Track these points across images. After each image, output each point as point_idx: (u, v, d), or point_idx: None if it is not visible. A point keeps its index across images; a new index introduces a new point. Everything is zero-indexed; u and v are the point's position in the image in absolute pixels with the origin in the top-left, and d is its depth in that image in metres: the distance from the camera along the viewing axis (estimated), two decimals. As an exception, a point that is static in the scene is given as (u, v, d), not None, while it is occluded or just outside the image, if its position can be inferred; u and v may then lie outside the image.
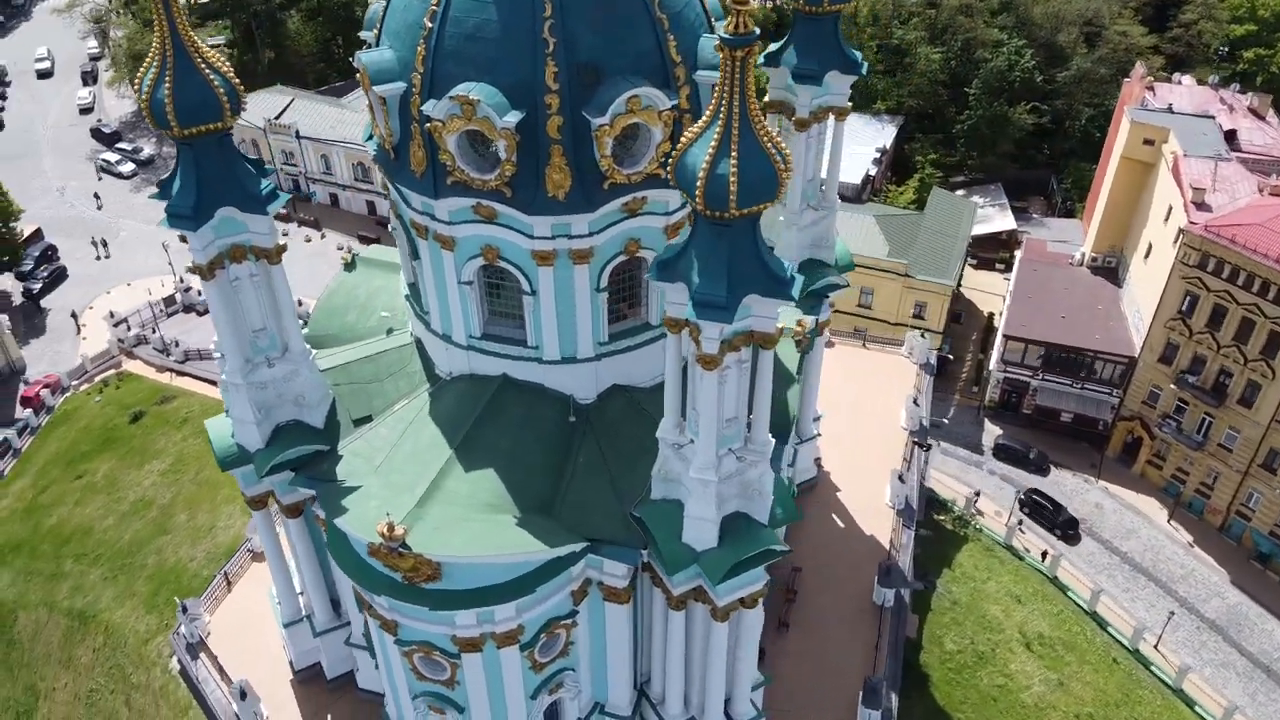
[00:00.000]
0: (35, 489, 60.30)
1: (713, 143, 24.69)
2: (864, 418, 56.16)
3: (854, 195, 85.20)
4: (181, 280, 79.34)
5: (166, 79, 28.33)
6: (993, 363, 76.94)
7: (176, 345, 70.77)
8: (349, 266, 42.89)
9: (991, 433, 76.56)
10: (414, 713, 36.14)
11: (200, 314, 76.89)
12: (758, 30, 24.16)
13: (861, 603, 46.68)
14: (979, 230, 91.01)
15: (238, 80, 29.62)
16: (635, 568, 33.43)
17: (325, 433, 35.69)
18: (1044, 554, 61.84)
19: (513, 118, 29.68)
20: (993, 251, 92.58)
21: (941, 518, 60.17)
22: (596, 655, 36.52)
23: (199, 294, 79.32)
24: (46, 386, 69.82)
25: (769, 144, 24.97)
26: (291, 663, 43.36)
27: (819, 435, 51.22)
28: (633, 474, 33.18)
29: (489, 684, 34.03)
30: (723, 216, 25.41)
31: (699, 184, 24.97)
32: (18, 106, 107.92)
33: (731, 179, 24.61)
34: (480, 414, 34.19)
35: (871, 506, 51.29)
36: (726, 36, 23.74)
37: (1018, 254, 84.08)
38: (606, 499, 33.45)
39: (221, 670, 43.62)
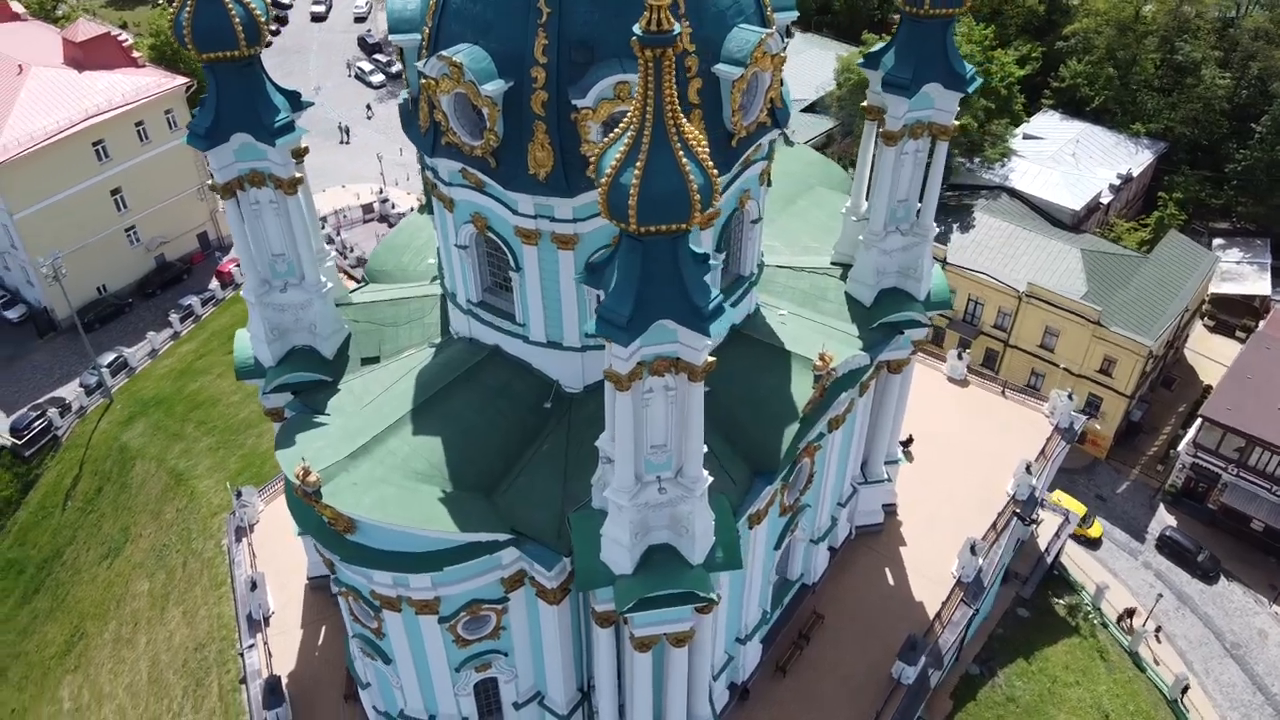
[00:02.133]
0: (195, 354, 67.20)
1: (620, 150, 22.20)
2: (968, 472, 50.35)
3: (1072, 222, 75.75)
4: (381, 190, 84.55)
5: (189, 3, 29.44)
6: (1184, 443, 66.54)
7: (351, 251, 75.77)
8: (422, 209, 43.51)
9: (1162, 521, 66.52)
10: (356, 651, 37.08)
11: (390, 225, 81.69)
12: (678, 28, 21.22)
13: (876, 672, 42.22)
14: (1223, 289, 78.55)
15: (260, 11, 30.27)
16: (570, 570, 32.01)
17: (331, 364, 36.61)
18: (1184, 689, 53.18)
19: (495, 86, 28.38)
20: (1238, 316, 79.59)
21: (1059, 600, 53.28)
22: (533, 646, 35.51)
23: (393, 206, 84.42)
24: (238, 264, 77.28)
25: (685, 158, 22.09)
26: (307, 569, 45.83)
27: (889, 480, 46.51)
28: (589, 475, 31.56)
29: (411, 644, 34.04)
30: (629, 230, 22.99)
31: (601, 191, 22.65)
32: (305, 6, 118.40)
33: (632, 191, 22.06)
34: (454, 380, 33.71)
35: (935, 571, 46.10)
36: (639, 33, 21.04)
37: (1260, 324, 71.78)
38: (552, 494, 32.10)
39: (253, 558, 46.85)
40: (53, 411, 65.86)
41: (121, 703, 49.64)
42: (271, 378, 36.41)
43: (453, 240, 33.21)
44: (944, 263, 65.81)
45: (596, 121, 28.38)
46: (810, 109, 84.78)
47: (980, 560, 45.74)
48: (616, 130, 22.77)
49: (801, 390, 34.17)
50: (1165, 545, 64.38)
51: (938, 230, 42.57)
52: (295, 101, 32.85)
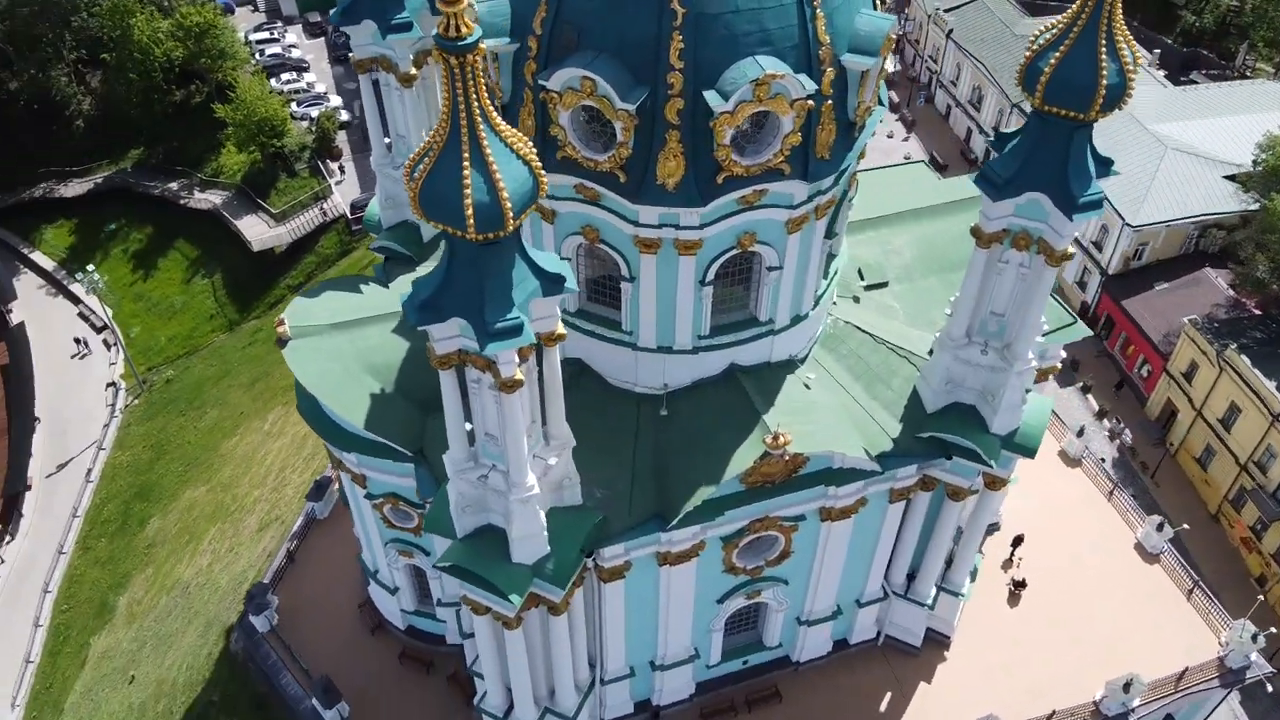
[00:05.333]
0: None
1: (431, 154, 21.58)
2: (1067, 643, 42.12)
3: None
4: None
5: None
6: None
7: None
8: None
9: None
10: (386, 558, 40.48)
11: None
12: (478, 32, 19.98)
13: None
14: None
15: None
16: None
17: (424, 247, 39.69)
18: None
19: (635, 97, 26.41)
20: None
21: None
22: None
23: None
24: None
25: (493, 166, 21.08)
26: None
27: (929, 607, 40.45)
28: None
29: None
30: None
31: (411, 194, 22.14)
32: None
33: (466, 201, 21.20)
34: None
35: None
36: (438, 37, 20.19)
37: None
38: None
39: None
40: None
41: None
42: (375, 239, 40.75)
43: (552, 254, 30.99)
44: None
45: (733, 125, 26.76)
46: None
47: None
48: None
49: (744, 460, 31.15)
50: None
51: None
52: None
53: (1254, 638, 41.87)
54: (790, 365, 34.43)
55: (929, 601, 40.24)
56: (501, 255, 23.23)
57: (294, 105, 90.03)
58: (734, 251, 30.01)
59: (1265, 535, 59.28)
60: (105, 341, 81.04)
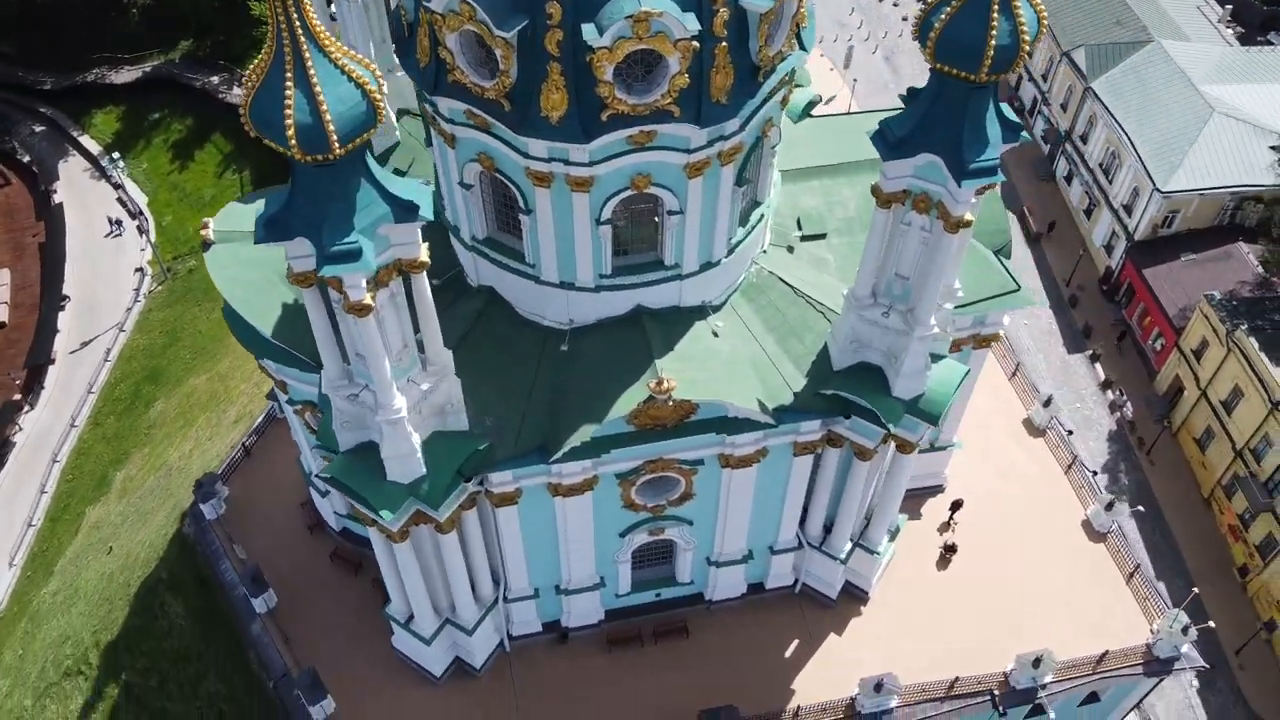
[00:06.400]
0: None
1: (259, 72, 21.60)
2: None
3: None
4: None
5: None
6: None
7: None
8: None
9: None
10: (315, 463, 40.85)
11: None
12: (290, -44, 19.83)
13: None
14: None
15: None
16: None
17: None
18: None
19: (512, 25, 25.67)
20: None
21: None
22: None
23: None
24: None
25: (317, 87, 21.09)
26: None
27: (841, 562, 40.24)
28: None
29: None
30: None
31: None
32: None
33: (288, 121, 21.22)
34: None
35: (841, 675, 40.18)
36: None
37: None
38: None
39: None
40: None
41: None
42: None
43: (455, 178, 31.22)
44: None
45: (611, 62, 26.16)
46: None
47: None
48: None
49: (629, 402, 31.21)
50: None
51: None
52: None
53: (1185, 630, 40.85)
54: (702, 311, 34.07)
55: (842, 556, 40.10)
56: (342, 178, 23.35)
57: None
58: (629, 192, 29.63)
59: (1252, 525, 57.41)
60: (139, 228, 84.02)
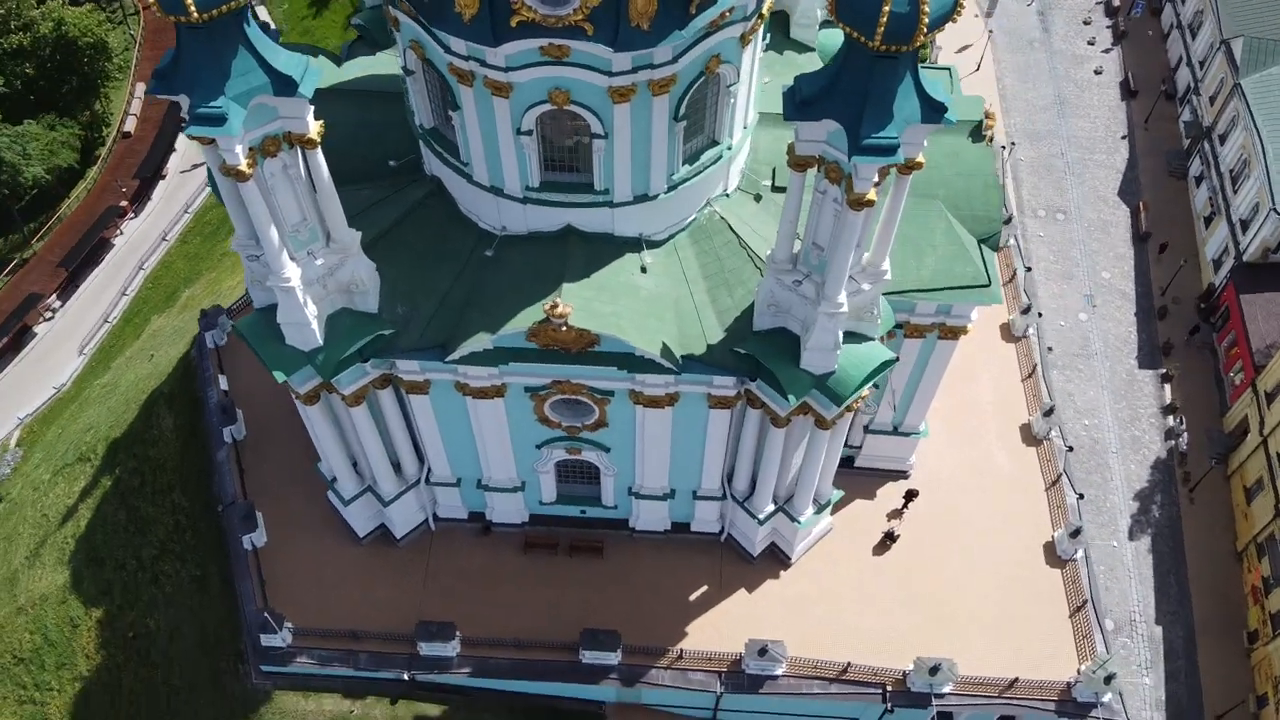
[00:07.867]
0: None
1: None
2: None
3: None
4: None
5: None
6: None
7: None
8: None
9: None
10: None
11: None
12: None
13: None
14: None
15: None
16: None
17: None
18: None
19: None
20: None
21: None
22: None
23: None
24: None
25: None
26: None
27: (760, 522, 39.54)
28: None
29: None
30: None
31: None
32: None
33: None
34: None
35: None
36: None
37: None
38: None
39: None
40: None
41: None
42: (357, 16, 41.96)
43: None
44: None
45: None
46: None
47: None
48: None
49: (526, 319, 31.25)
50: None
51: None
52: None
53: (1108, 680, 38.49)
54: (636, 244, 33.48)
55: (761, 516, 39.46)
56: (214, 44, 23.91)
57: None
58: (548, 106, 29.06)
59: (1274, 592, 52.72)
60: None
